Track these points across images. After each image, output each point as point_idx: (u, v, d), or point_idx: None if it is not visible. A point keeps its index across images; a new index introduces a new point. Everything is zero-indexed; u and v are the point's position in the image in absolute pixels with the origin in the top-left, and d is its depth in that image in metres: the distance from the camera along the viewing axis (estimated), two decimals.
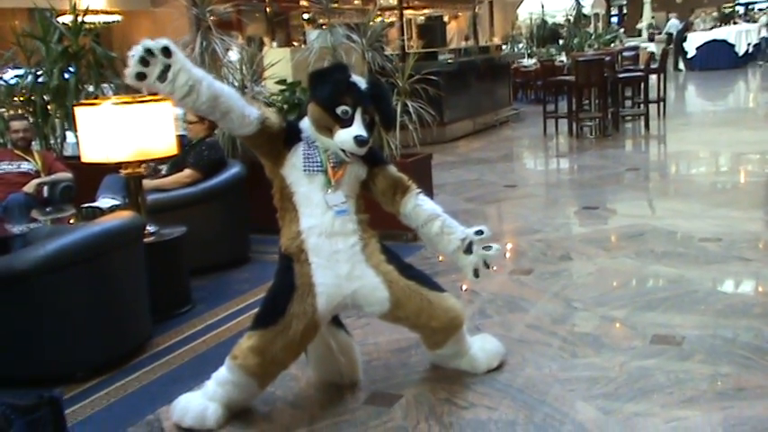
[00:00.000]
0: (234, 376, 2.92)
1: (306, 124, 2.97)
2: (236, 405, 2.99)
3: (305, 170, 2.90)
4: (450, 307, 3.11)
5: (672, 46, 19.36)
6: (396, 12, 11.08)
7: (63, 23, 6.37)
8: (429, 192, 5.45)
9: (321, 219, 2.90)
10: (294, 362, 3.05)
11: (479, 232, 3.09)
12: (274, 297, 2.96)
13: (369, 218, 3.06)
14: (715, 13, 23.13)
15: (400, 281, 2.98)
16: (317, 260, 2.89)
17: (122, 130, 3.92)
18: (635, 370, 3.17)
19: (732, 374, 3.08)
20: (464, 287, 4.40)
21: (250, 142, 2.94)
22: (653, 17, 23.72)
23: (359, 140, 2.85)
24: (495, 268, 3.24)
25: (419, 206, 3.08)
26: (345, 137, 2.86)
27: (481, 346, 3.30)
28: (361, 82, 2.97)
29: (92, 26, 6.61)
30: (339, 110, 2.86)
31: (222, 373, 2.96)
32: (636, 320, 3.71)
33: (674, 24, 22.55)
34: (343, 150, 2.89)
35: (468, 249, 3.07)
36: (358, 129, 2.86)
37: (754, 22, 22.51)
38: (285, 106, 5.92)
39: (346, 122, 2.87)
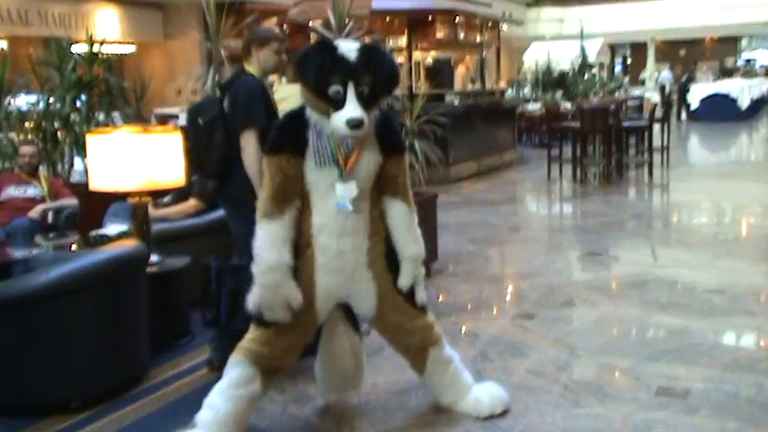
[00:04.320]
0: (238, 371, 2.87)
1: (310, 111, 2.85)
2: (240, 418, 2.91)
3: (316, 163, 2.82)
4: (426, 324, 3.13)
5: (667, 97, 19.54)
6: (405, 53, 11.20)
7: (78, 53, 6.44)
8: (433, 232, 5.45)
9: (334, 218, 2.87)
10: (296, 357, 3.04)
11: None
12: None
13: (381, 212, 3.02)
14: (709, 72, 23.42)
15: (391, 294, 3.02)
16: (321, 259, 2.90)
17: (132, 160, 3.93)
18: (640, 422, 3.12)
19: (739, 430, 3.03)
20: (464, 329, 4.37)
21: None
22: (659, 70, 23.99)
23: (351, 124, 2.69)
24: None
25: (391, 212, 3.02)
26: (338, 122, 2.72)
27: (486, 391, 3.27)
28: (351, 51, 2.78)
29: (105, 56, 6.68)
30: (330, 90, 2.72)
31: (224, 379, 2.91)
32: (640, 371, 3.67)
33: (665, 77, 22.80)
34: (344, 136, 2.77)
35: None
36: (349, 110, 2.70)
37: (754, 76, 22.77)
38: None
39: (339, 104, 2.72)
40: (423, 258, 3.10)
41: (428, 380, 3.23)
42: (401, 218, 3.02)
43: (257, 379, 2.90)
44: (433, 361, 3.15)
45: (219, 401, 2.88)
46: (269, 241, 2.81)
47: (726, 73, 25.34)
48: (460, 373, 3.25)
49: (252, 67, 3.77)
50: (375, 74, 2.78)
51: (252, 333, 2.93)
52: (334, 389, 3.39)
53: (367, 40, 9.86)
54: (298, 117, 2.89)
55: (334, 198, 2.84)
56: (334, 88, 2.72)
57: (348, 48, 2.80)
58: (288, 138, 2.86)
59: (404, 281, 3.02)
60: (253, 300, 2.85)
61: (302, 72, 2.79)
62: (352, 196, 2.83)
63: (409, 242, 3.03)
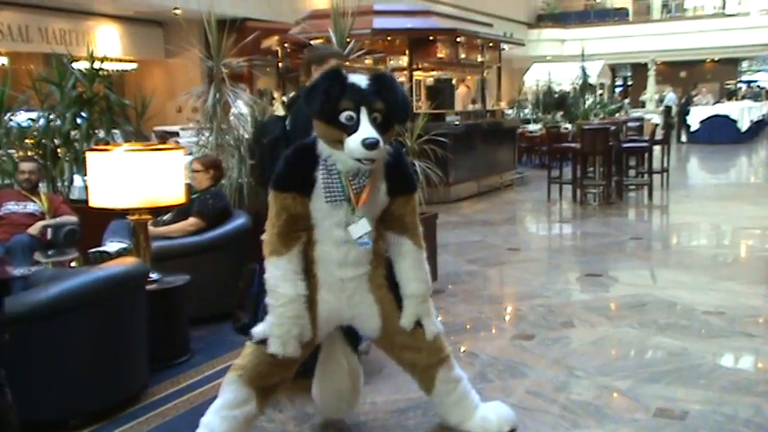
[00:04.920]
0: (233, 391, 2.87)
1: (322, 145, 2.81)
2: None
3: (327, 201, 2.77)
4: (434, 343, 3.10)
5: (672, 118, 19.65)
6: (406, 73, 11.25)
7: (78, 70, 6.46)
8: (433, 251, 5.45)
9: (336, 251, 2.87)
10: (291, 374, 3.02)
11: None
12: None
13: (384, 242, 3.00)
14: (709, 95, 23.54)
15: (394, 314, 3.00)
16: (323, 285, 2.92)
17: (133, 177, 3.94)
18: None
19: None
20: (463, 349, 4.37)
21: None
22: (664, 92, 24.12)
23: (367, 143, 2.64)
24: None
25: (395, 248, 2.99)
26: (353, 144, 2.67)
27: (494, 410, 3.26)
28: (362, 80, 2.78)
29: (106, 73, 6.70)
30: (343, 117, 2.69)
31: (219, 400, 2.90)
32: (639, 392, 3.66)
33: (671, 98, 22.95)
34: (359, 160, 2.70)
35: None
36: (364, 131, 2.67)
37: (757, 98, 22.91)
38: None
39: (353, 129, 2.69)
40: (428, 295, 3.06)
41: (436, 399, 3.19)
42: (406, 255, 2.99)
43: (252, 399, 2.89)
44: (441, 380, 3.12)
45: (215, 422, 2.87)
46: (281, 276, 2.82)
47: (731, 95, 25.50)
48: (468, 392, 3.24)
49: None
50: (387, 101, 2.75)
51: (247, 351, 2.93)
52: (329, 409, 3.38)
53: (369, 60, 9.93)
54: (307, 152, 2.83)
55: (338, 232, 2.82)
56: (347, 114, 2.69)
57: (358, 77, 2.80)
58: (295, 176, 2.82)
59: (405, 320, 2.99)
60: (263, 332, 2.85)
61: (311, 101, 2.75)
62: (366, 232, 2.82)
63: (412, 279, 2.99)
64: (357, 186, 2.78)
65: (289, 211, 2.81)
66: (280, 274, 2.82)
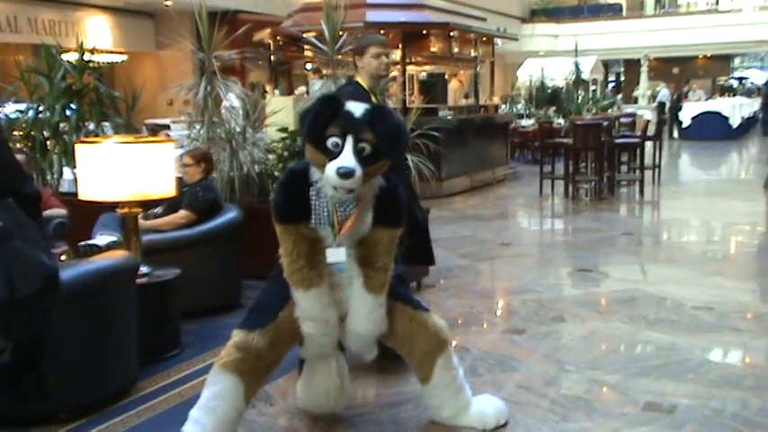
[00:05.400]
0: (219, 382, 2.86)
1: (313, 169, 2.82)
2: (225, 430, 2.89)
3: (312, 223, 2.80)
4: (435, 324, 3.12)
5: (665, 114, 19.69)
6: (399, 67, 11.23)
7: (68, 61, 6.42)
8: None
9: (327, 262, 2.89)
10: (278, 364, 3.02)
11: None
12: (266, 301, 2.99)
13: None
14: (700, 91, 23.59)
15: (388, 301, 3.00)
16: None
17: (123, 170, 3.92)
18: None
19: None
20: (454, 343, 4.36)
21: None
22: (657, 88, 24.16)
23: (340, 172, 2.62)
24: None
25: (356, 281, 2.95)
26: (329, 171, 2.66)
27: (488, 403, 3.28)
28: (358, 108, 2.77)
29: (96, 65, 6.66)
30: (329, 142, 2.69)
31: (205, 392, 2.90)
32: (628, 386, 3.68)
33: (665, 94, 23.01)
34: (335, 188, 2.69)
35: None
36: (342, 160, 2.65)
37: (749, 96, 23.00)
38: (286, 153, 5.96)
39: (336, 156, 2.67)
40: (366, 336, 3.00)
41: (433, 390, 3.17)
42: (354, 294, 2.94)
43: (240, 390, 2.87)
44: (441, 367, 3.11)
45: (202, 415, 2.86)
46: (319, 305, 2.86)
47: (725, 91, 25.56)
48: (464, 384, 3.25)
49: (361, 78, 3.99)
50: (378, 132, 2.72)
51: (233, 340, 2.92)
52: (316, 407, 3.37)
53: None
54: (300, 176, 2.84)
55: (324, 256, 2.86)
56: (333, 140, 2.68)
57: (356, 105, 2.79)
58: (294, 204, 2.82)
59: (352, 351, 3.11)
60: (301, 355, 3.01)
61: (303, 123, 2.76)
62: (341, 261, 2.84)
63: (354, 315, 2.96)
64: (343, 213, 2.79)
65: (305, 238, 2.82)
66: (318, 305, 2.86)
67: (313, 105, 2.78)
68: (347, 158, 2.66)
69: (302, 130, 2.79)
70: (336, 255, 2.83)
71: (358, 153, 2.68)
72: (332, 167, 2.65)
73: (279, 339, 2.92)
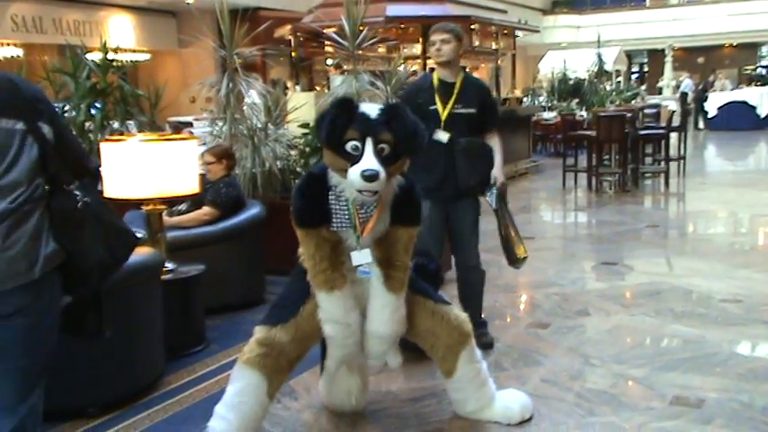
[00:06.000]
0: (242, 378, 2.89)
1: (332, 173, 2.82)
2: (251, 425, 2.91)
3: (334, 227, 2.79)
4: (458, 317, 3.12)
5: (688, 105, 19.44)
6: (419, 61, 11.21)
7: (92, 60, 6.48)
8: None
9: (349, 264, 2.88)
10: (300, 360, 3.04)
11: None
12: (288, 297, 3.00)
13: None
14: (726, 80, 23.17)
15: (409, 296, 3.00)
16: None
17: (147, 168, 3.95)
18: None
19: None
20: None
21: None
22: (680, 79, 23.81)
23: (366, 175, 2.61)
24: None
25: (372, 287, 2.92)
26: (353, 175, 2.65)
27: (513, 398, 3.27)
28: (372, 109, 2.76)
29: (120, 64, 6.71)
30: (348, 146, 2.68)
31: (230, 388, 2.92)
32: (654, 380, 3.64)
33: (688, 85, 22.70)
34: (360, 191, 2.68)
35: None
36: (366, 162, 2.64)
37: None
38: (307, 149, 5.97)
39: (357, 159, 2.66)
40: (392, 339, 2.98)
41: (456, 383, 3.16)
42: (375, 294, 2.92)
43: (263, 385, 2.88)
44: (464, 360, 3.11)
45: (227, 411, 2.89)
46: (342, 308, 2.85)
47: (753, 80, 25.11)
48: (488, 378, 3.24)
49: (434, 65, 4.24)
50: (395, 132, 2.71)
51: (256, 336, 2.93)
52: (337, 405, 3.38)
53: (382, 49, 9.88)
54: (318, 180, 2.84)
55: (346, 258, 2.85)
56: (352, 144, 2.67)
57: (370, 107, 2.78)
58: (314, 208, 2.81)
59: (371, 362, 3.10)
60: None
61: (319, 128, 2.76)
62: (367, 262, 2.83)
63: (375, 320, 2.92)
64: (364, 215, 2.79)
65: (327, 241, 2.82)
66: (341, 307, 2.85)
67: (328, 111, 2.77)
68: (370, 161, 2.65)
69: (320, 137, 2.78)
70: (361, 257, 2.83)
71: (378, 154, 2.68)
72: (356, 171, 2.64)
73: (301, 334, 2.92)
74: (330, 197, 2.79)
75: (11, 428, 2.22)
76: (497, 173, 4.19)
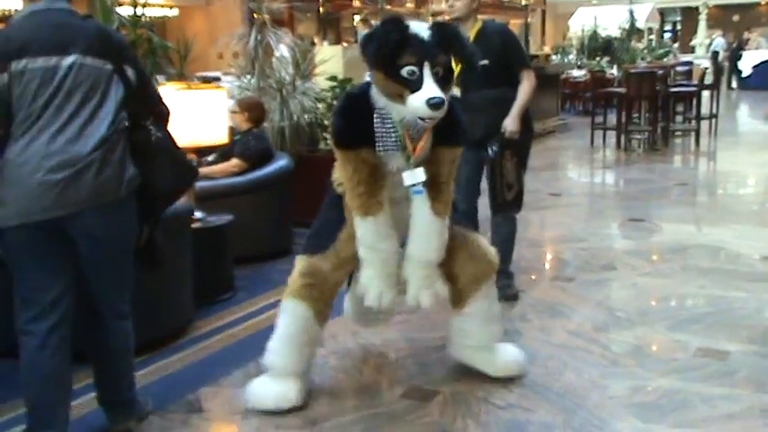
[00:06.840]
0: (290, 310, 2.93)
1: (376, 93, 2.71)
2: (303, 360, 2.97)
3: (379, 150, 2.70)
4: (487, 247, 3.12)
5: (720, 63, 18.99)
6: (447, 17, 11.08)
7: (121, 15, 6.49)
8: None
9: (389, 190, 2.82)
10: (342, 284, 3.09)
11: None
12: (323, 227, 3.01)
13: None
14: (761, 38, 22.55)
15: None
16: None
17: (177, 118, 3.95)
18: (677, 382, 3.12)
19: None
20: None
21: None
22: (712, 36, 23.22)
23: (432, 104, 2.53)
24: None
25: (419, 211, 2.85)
26: (417, 103, 2.55)
27: (511, 353, 3.24)
28: (423, 30, 2.63)
29: (149, 18, 6.72)
30: (404, 71, 2.57)
31: (279, 323, 2.97)
32: (679, 334, 3.65)
33: (719, 43, 22.16)
34: (422, 118, 2.60)
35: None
36: (429, 89, 2.54)
37: None
38: (335, 102, 5.96)
39: (415, 84, 2.56)
40: (432, 265, 2.90)
41: (465, 315, 3.08)
42: (418, 221, 2.84)
43: (310, 314, 2.92)
44: (482, 294, 3.06)
45: (280, 345, 2.96)
46: (376, 234, 2.79)
47: None
48: (497, 320, 3.19)
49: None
50: (454, 54, 2.67)
51: (297, 268, 2.97)
52: (363, 320, 3.44)
53: (410, 4, 9.79)
54: (358, 100, 2.76)
55: (391, 180, 2.78)
56: (409, 69, 2.56)
57: (420, 27, 2.66)
58: (357, 129, 2.73)
59: (410, 295, 2.92)
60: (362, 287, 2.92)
61: (370, 52, 2.61)
62: (420, 180, 2.75)
63: (415, 242, 2.86)
64: (415, 135, 2.73)
65: (367, 163, 2.75)
66: (374, 234, 2.80)
67: (382, 35, 2.60)
68: (434, 88, 2.56)
69: (367, 56, 2.64)
70: (414, 176, 2.75)
71: (434, 77, 2.59)
72: (420, 99, 2.55)
73: (341, 260, 2.94)
74: (375, 119, 2.71)
75: (129, 329, 2.85)
76: (509, 121, 4.02)
